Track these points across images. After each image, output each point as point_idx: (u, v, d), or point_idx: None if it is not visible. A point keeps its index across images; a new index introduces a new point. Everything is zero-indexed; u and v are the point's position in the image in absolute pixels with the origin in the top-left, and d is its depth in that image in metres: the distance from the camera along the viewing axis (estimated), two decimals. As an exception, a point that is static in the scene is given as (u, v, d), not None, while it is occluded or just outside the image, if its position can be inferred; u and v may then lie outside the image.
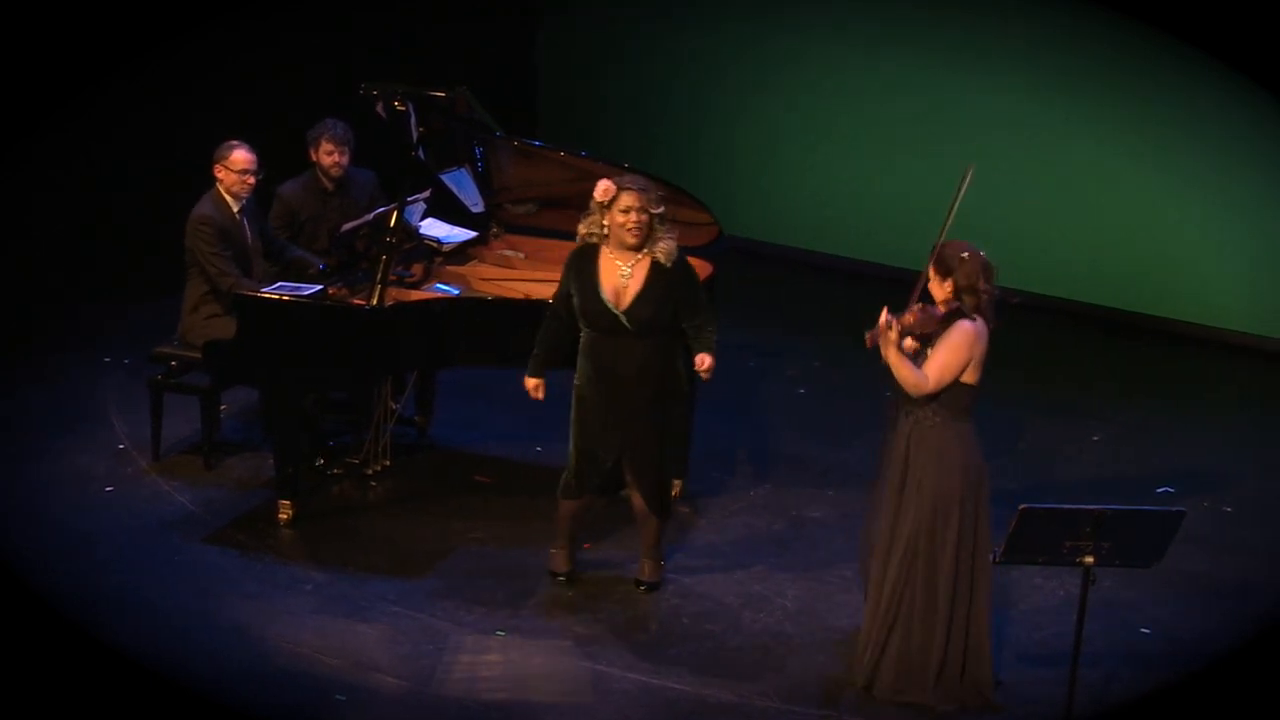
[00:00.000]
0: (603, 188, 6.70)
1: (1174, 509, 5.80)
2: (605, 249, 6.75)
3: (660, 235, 6.73)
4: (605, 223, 6.72)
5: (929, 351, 6.11)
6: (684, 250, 6.86)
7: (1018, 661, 6.64)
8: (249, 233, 7.98)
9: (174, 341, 8.03)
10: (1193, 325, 10.19)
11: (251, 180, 7.92)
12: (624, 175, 6.84)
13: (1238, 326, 10.08)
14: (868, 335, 6.07)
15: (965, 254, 6.08)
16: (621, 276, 6.71)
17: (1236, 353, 9.98)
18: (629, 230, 6.66)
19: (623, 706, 6.34)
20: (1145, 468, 8.39)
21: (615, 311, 6.70)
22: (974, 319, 6.08)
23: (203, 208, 7.88)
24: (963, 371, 6.08)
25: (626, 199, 6.66)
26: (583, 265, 6.77)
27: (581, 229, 6.79)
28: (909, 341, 6.14)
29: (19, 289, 9.90)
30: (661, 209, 6.72)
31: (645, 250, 6.72)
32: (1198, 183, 10.03)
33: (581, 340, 6.82)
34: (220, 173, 7.90)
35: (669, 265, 6.71)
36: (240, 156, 7.89)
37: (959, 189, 6.08)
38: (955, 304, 6.08)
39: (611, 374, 6.75)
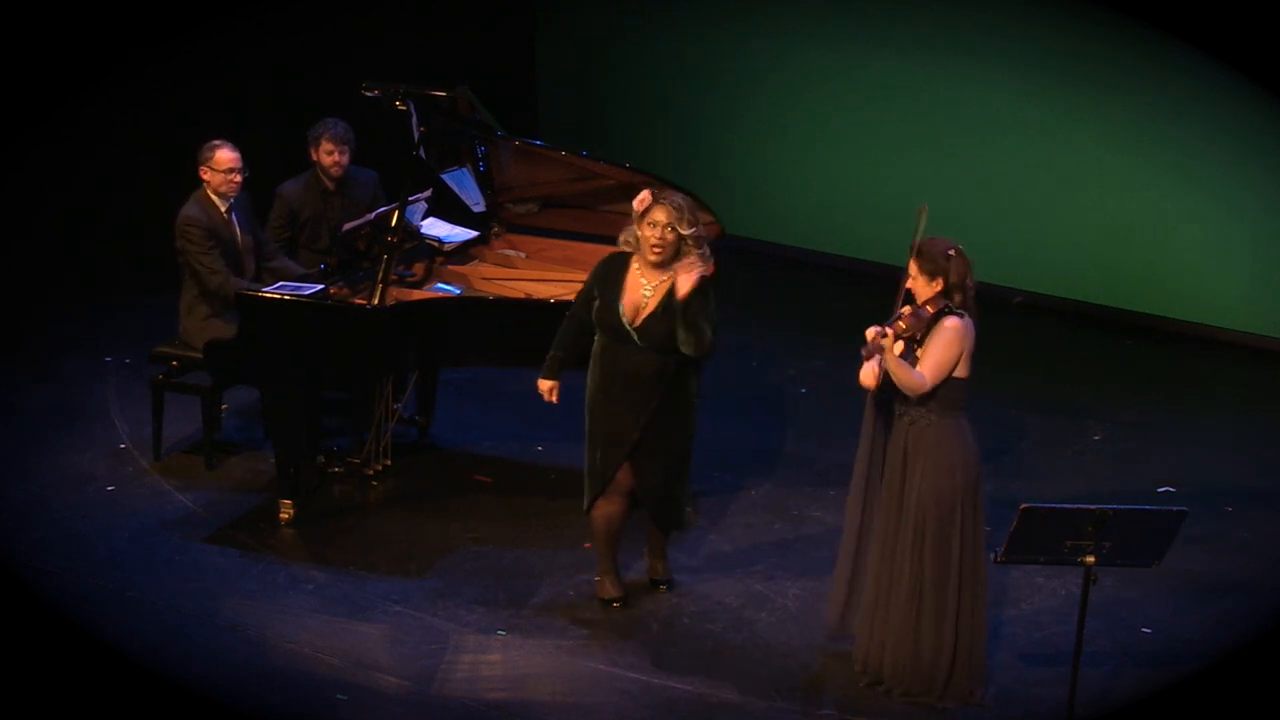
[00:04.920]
0: (640, 197, 6.62)
1: (1175, 509, 5.79)
2: (635, 260, 6.69)
3: (688, 259, 6.61)
4: (639, 233, 6.66)
5: (918, 351, 6.14)
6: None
7: (1019, 661, 6.64)
8: (239, 232, 7.97)
9: (174, 341, 8.03)
10: (1193, 325, 10.18)
11: (237, 179, 7.90)
12: (664, 189, 6.70)
13: (1238, 326, 10.07)
14: (863, 350, 6.14)
15: (952, 252, 6.12)
16: (643, 294, 6.65)
17: (1236, 353, 9.97)
18: (652, 246, 6.58)
19: (623, 706, 6.34)
20: (1146, 467, 8.39)
21: (627, 326, 6.65)
22: (960, 314, 6.11)
23: (189, 209, 7.87)
24: (955, 366, 6.10)
25: (656, 213, 6.57)
26: (611, 272, 6.71)
27: (621, 236, 6.73)
28: (899, 345, 6.18)
29: (19, 289, 9.91)
30: (693, 230, 6.60)
31: (671, 276, 6.62)
32: (1198, 182, 10.03)
33: (594, 345, 6.79)
34: (206, 174, 7.89)
35: (680, 297, 6.59)
36: (224, 156, 7.87)
37: (916, 229, 6.14)
38: (942, 302, 6.11)
39: (619, 381, 6.70)
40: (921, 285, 6.14)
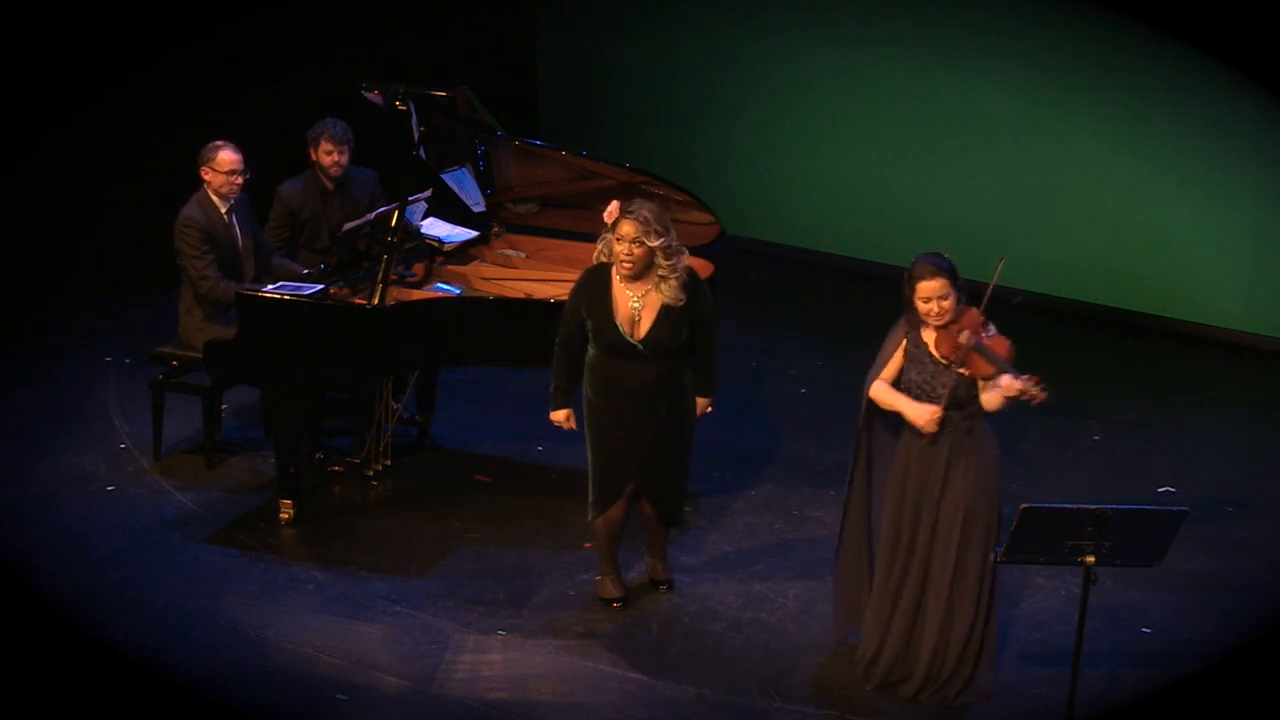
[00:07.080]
0: (609, 209, 6.57)
1: (1176, 508, 5.80)
2: (615, 272, 6.63)
3: (665, 272, 6.54)
4: (613, 244, 6.59)
5: (964, 371, 6.11)
6: (689, 249, 6.76)
7: (1019, 661, 6.64)
8: (239, 234, 7.96)
9: (174, 341, 8.02)
10: (1193, 325, 10.18)
11: (239, 180, 7.88)
12: (632, 201, 6.61)
13: (1238, 326, 10.07)
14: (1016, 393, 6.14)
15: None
16: (633, 306, 6.60)
17: (1236, 353, 9.97)
18: (622, 260, 6.53)
19: (623, 706, 6.34)
20: (1146, 467, 8.39)
21: (631, 341, 6.61)
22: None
23: (189, 209, 7.85)
24: None
25: (624, 227, 6.49)
26: (594, 289, 6.64)
27: (596, 248, 6.67)
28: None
29: (19, 288, 9.91)
30: (661, 241, 6.50)
31: (653, 285, 6.57)
32: (1198, 182, 10.03)
33: (591, 356, 6.75)
34: (207, 174, 7.88)
35: (677, 305, 6.59)
36: (226, 157, 7.85)
37: (994, 277, 6.11)
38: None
39: (625, 391, 6.67)
40: (951, 305, 6.14)
